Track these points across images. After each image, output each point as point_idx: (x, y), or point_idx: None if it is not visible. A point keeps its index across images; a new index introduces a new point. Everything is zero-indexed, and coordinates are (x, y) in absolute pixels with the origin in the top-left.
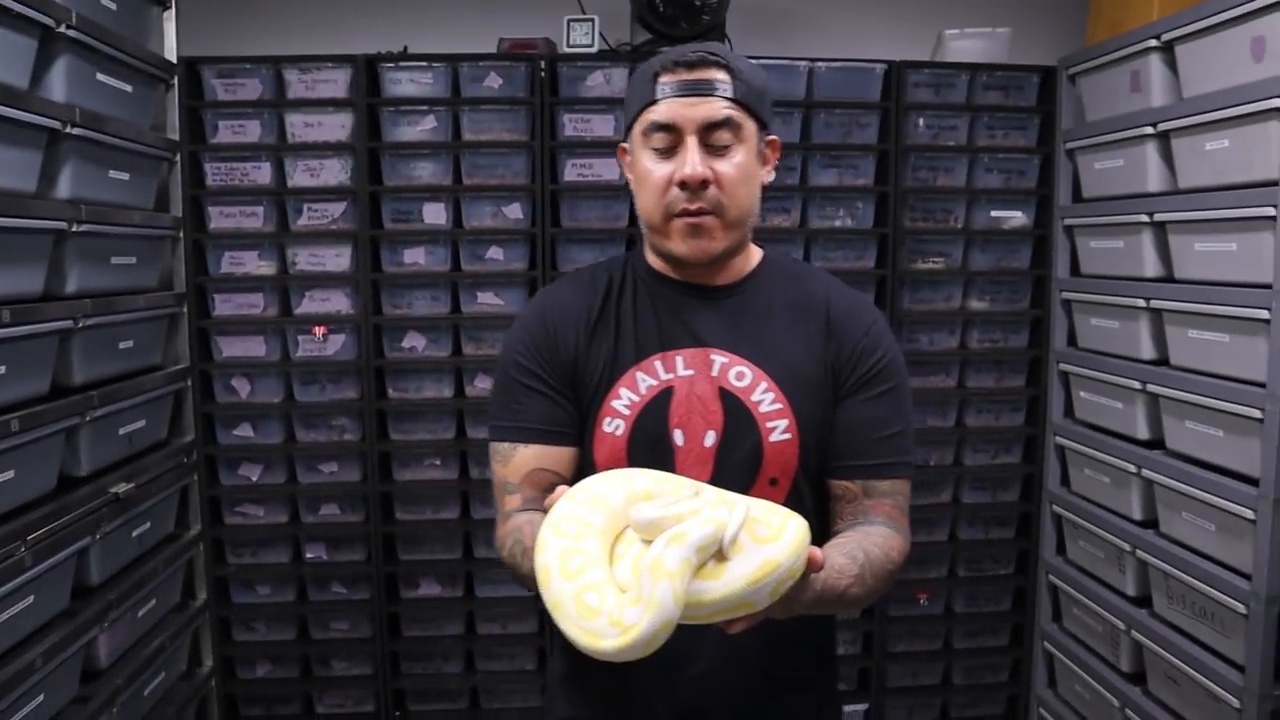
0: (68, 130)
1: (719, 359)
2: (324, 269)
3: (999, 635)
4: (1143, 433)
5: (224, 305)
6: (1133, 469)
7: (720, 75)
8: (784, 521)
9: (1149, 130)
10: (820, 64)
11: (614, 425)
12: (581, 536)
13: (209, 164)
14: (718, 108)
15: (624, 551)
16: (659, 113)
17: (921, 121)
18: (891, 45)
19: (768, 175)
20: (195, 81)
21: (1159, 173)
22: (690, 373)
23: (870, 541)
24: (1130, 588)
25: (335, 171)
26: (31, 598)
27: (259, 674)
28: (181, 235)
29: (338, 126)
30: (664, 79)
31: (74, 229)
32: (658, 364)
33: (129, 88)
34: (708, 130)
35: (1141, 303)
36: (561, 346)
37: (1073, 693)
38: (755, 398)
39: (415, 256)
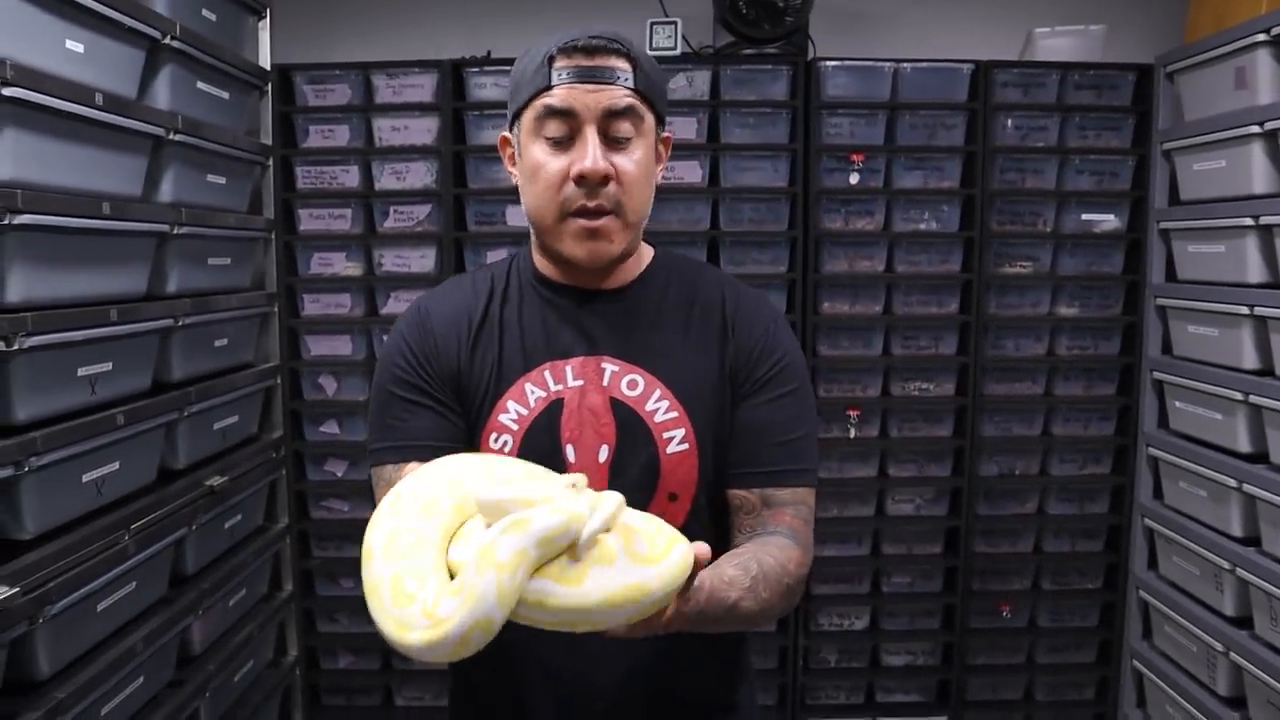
0: (170, 136)
1: (610, 367)
2: (409, 270)
3: (1085, 651)
4: (1244, 446)
5: (312, 305)
6: (1233, 483)
7: (621, 64)
8: (669, 543)
9: (1255, 129)
10: (905, 65)
11: (501, 441)
12: (424, 516)
13: (300, 167)
14: (619, 95)
15: (469, 531)
16: (555, 98)
17: (1010, 122)
18: (979, 44)
19: (661, 175)
20: (287, 87)
21: (1265, 174)
22: (580, 383)
23: (765, 551)
24: (1229, 607)
25: (421, 174)
26: (133, 584)
27: (341, 665)
28: (273, 237)
29: (423, 130)
30: (560, 64)
31: (175, 231)
32: (546, 374)
33: (226, 95)
34: (607, 119)
35: (1245, 310)
36: (443, 356)
37: (1163, 713)
38: (649, 407)
39: (498, 257)
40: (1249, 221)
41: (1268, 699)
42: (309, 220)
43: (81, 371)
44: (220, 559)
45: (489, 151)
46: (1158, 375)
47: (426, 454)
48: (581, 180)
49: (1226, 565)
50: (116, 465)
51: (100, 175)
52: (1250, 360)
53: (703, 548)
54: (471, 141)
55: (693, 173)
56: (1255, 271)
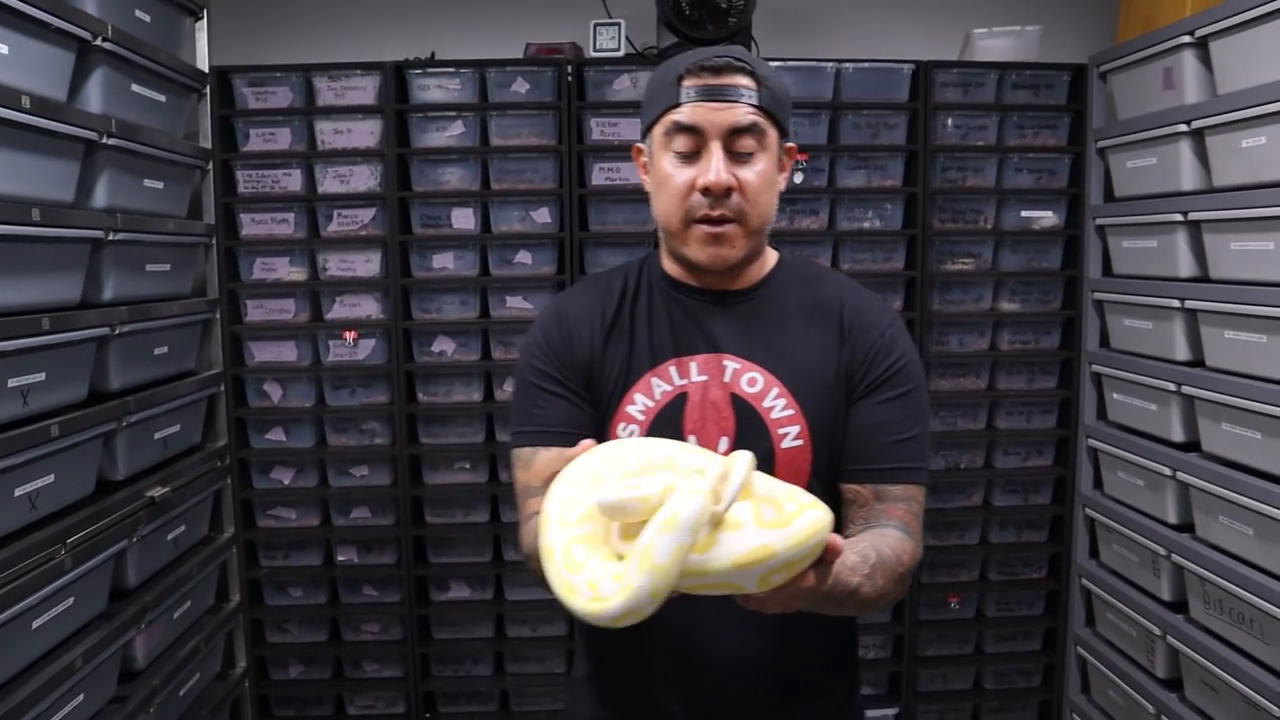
0: (104, 141)
1: (731, 365)
2: (354, 274)
3: (1031, 640)
4: (1178, 435)
5: (256, 311)
6: (1168, 472)
7: (746, 81)
8: (799, 509)
9: (1183, 128)
10: (847, 65)
11: (629, 430)
12: (593, 487)
13: (240, 171)
14: (742, 114)
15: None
16: (683, 115)
17: (950, 121)
18: (919, 45)
19: (785, 183)
20: (227, 90)
21: (1193, 171)
22: (704, 379)
23: (883, 542)
24: (1166, 592)
25: (365, 178)
26: (71, 599)
27: (291, 675)
28: (214, 242)
29: (367, 133)
30: (688, 82)
31: (110, 237)
32: (672, 369)
33: (162, 97)
34: (732, 136)
35: (1176, 303)
36: (577, 350)
37: (1107, 699)
38: (767, 404)
39: (444, 261)
40: (1178, 217)
41: (1202, 680)
42: (251, 225)
43: (12, 383)
44: (163, 571)
45: (433, 154)
46: (1096, 368)
47: (560, 439)
48: (707, 192)
49: (1162, 551)
50: (51, 478)
51: (29, 181)
52: (1182, 352)
53: (835, 539)
54: (415, 144)
55: (638, 174)
56: (1185, 266)
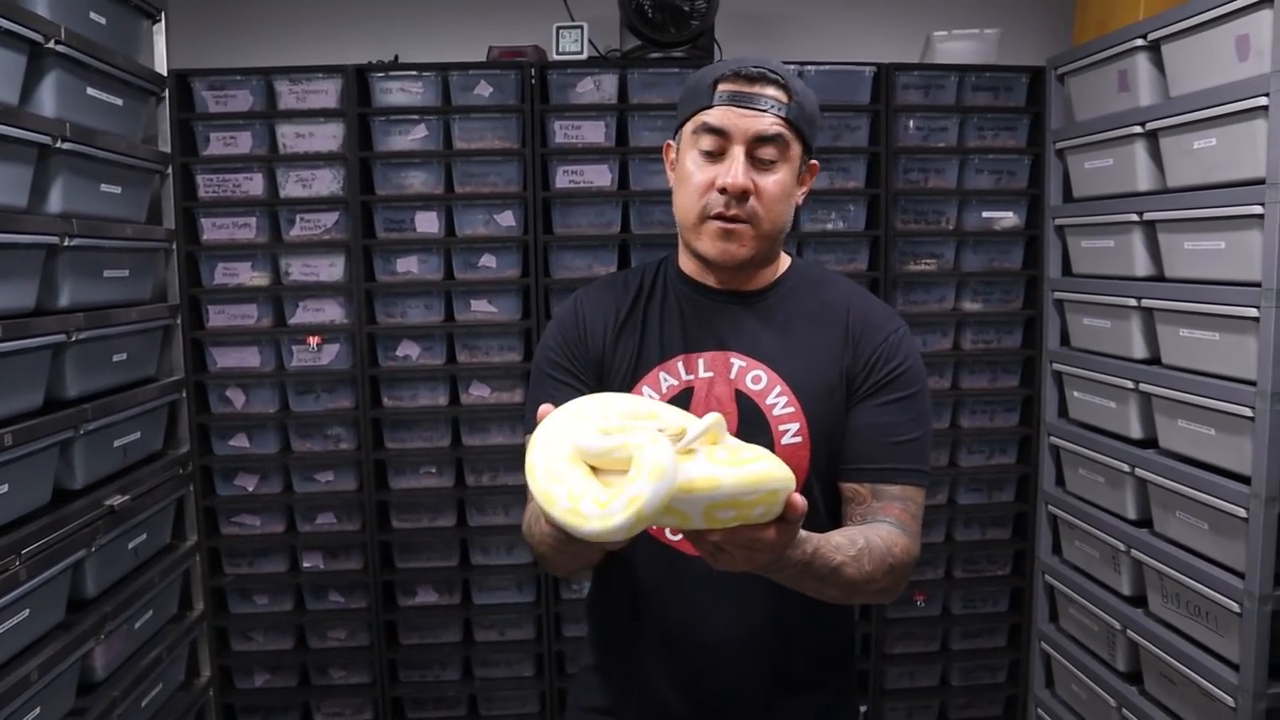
0: (58, 145)
1: (738, 362)
2: (317, 279)
3: (996, 636)
4: (1136, 432)
5: (218, 317)
6: (1126, 468)
7: (777, 93)
8: (755, 458)
9: (1137, 129)
10: (809, 67)
11: None
12: (576, 423)
13: (201, 176)
14: (769, 123)
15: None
16: (713, 117)
17: (911, 123)
18: (880, 47)
19: (802, 197)
20: (186, 94)
21: (1148, 172)
22: (710, 374)
23: (873, 531)
24: (1126, 587)
25: (327, 181)
26: (26, 611)
27: (257, 683)
28: (174, 247)
29: (329, 137)
30: (723, 86)
31: (66, 243)
32: (680, 365)
33: (119, 101)
34: (756, 143)
35: (1132, 302)
36: (590, 343)
37: (1070, 693)
38: (769, 401)
39: (408, 265)
40: (1134, 217)
41: (1161, 672)
42: (212, 230)
43: None
44: (124, 580)
45: (396, 157)
46: (1057, 366)
47: None
48: (724, 192)
49: (1122, 547)
50: (5, 487)
51: None
52: (1139, 350)
53: (796, 498)
54: (378, 147)
55: (602, 176)
56: (1141, 265)
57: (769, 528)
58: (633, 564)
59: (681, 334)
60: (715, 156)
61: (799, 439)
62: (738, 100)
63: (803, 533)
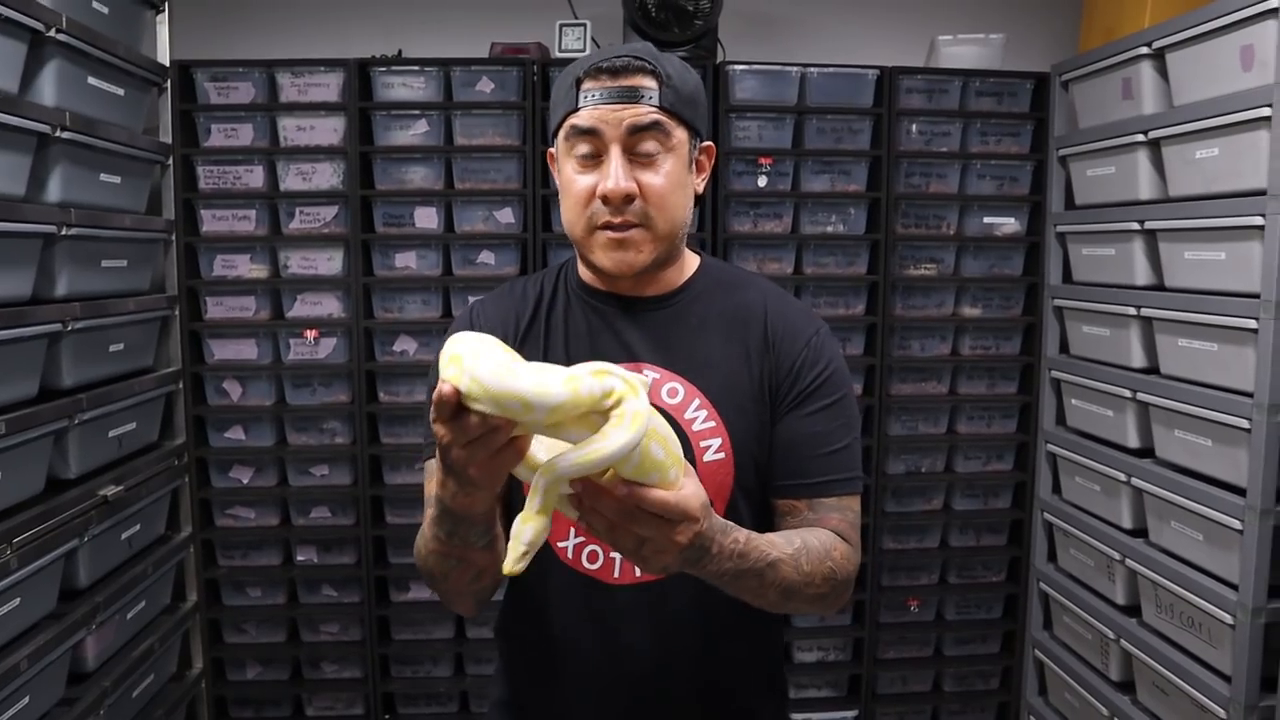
0: (58, 134)
1: (651, 374)
2: (316, 273)
3: (990, 643)
4: (1133, 441)
5: (216, 308)
6: (1123, 477)
7: (647, 82)
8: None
9: (1140, 138)
10: (812, 69)
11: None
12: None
13: (201, 167)
14: (643, 113)
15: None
16: (581, 119)
17: (914, 127)
18: (884, 51)
19: (701, 185)
20: (188, 85)
21: (1150, 180)
22: None
23: (811, 534)
24: (1120, 596)
25: (327, 175)
26: (18, 600)
27: (249, 676)
28: (174, 238)
29: (330, 130)
30: (588, 85)
31: (63, 232)
32: None
33: (121, 91)
34: (632, 137)
35: (1132, 311)
36: None
37: (1063, 701)
38: (688, 415)
39: (407, 260)
40: (1135, 226)
41: (1153, 682)
42: (212, 221)
43: None
44: (117, 570)
45: (396, 152)
46: (1055, 374)
47: None
48: (606, 200)
49: (1117, 556)
50: None
51: None
52: (1138, 359)
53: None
54: (379, 142)
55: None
56: (1141, 274)
57: (664, 490)
58: (545, 596)
59: (589, 345)
60: (593, 160)
61: (722, 454)
62: (607, 96)
63: (730, 523)
